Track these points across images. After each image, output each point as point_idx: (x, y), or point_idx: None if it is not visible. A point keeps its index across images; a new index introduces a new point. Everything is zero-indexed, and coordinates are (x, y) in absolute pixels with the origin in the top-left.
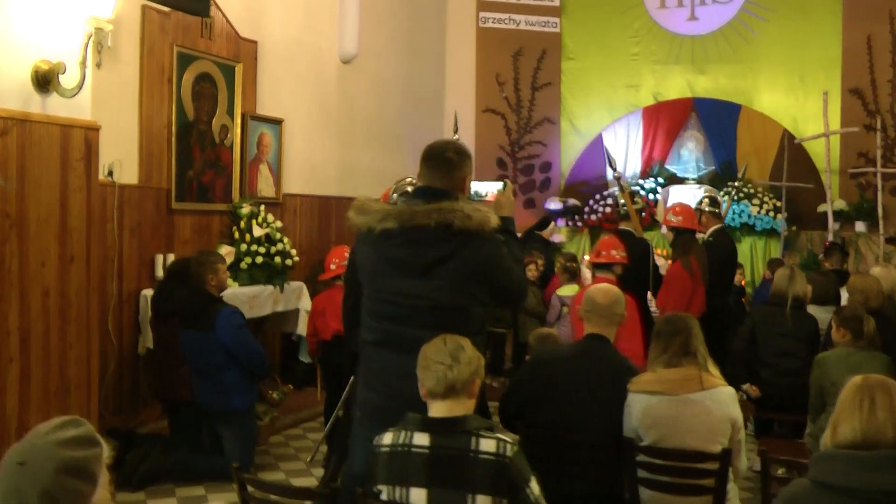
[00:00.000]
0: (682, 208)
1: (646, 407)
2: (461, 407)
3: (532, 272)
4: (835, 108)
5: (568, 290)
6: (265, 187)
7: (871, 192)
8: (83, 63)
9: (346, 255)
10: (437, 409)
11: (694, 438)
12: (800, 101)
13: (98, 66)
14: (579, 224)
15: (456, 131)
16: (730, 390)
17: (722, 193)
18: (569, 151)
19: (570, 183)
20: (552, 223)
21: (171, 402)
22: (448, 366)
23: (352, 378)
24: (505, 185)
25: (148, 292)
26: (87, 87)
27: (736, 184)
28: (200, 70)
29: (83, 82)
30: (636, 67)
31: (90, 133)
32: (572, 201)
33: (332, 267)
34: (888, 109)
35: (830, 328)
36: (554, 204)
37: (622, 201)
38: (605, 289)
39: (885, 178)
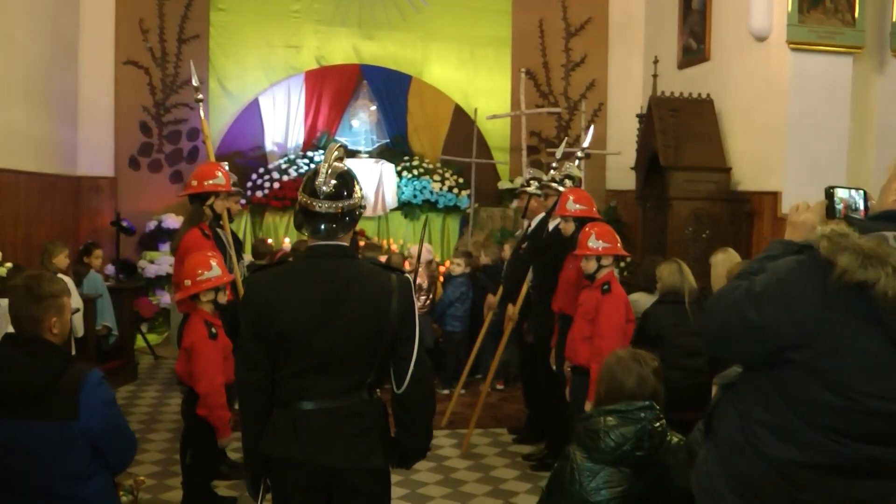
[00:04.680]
0: (581, 195)
1: None
2: None
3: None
4: (505, 87)
5: None
6: None
7: (546, 171)
8: None
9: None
10: None
11: None
12: (470, 76)
13: None
14: (242, 202)
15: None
16: None
17: (399, 168)
18: (219, 117)
19: (222, 154)
20: None
21: None
22: None
23: None
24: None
25: None
26: None
27: (424, 162)
28: None
29: None
30: (297, 26)
31: None
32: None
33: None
34: (561, 92)
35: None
36: None
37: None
38: None
39: (566, 157)
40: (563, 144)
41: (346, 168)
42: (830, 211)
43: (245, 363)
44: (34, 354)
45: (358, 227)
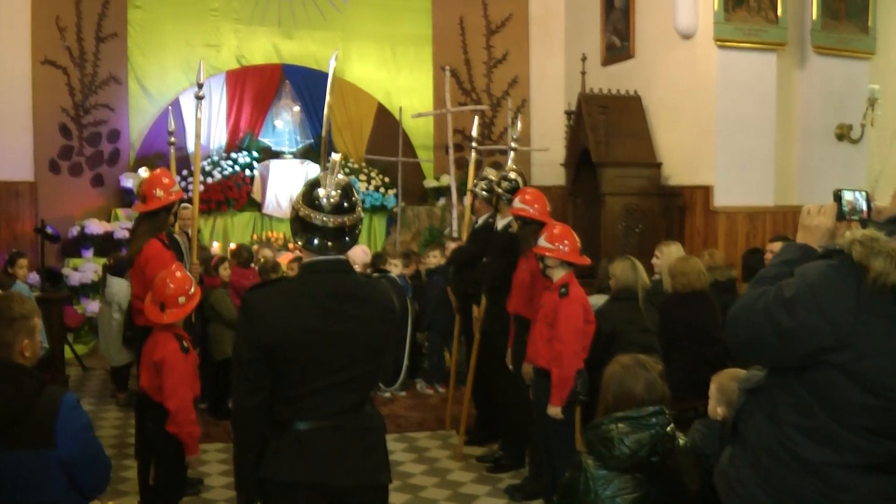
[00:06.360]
0: (535, 195)
1: None
2: None
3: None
4: (427, 85)
5: None
6: None
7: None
8: None
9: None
10: None
11: None
12: (392, 74)
13: None
14: None
15: None
16: None
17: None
18: (139, 118)
19: (143, 156)
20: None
21: None
22: None
23: None
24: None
25: None
26: None
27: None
28: None
29: None
30: (216, 25)
31: None
32: None
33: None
34: (484, 89)
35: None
36: (132, 181)
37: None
38: None
39: (485, 154)
40: (476, 130)
41: (348, 180)
42: (840, 213)
43: (247, 386)
44: (6, 380)
45: (272, 233)
